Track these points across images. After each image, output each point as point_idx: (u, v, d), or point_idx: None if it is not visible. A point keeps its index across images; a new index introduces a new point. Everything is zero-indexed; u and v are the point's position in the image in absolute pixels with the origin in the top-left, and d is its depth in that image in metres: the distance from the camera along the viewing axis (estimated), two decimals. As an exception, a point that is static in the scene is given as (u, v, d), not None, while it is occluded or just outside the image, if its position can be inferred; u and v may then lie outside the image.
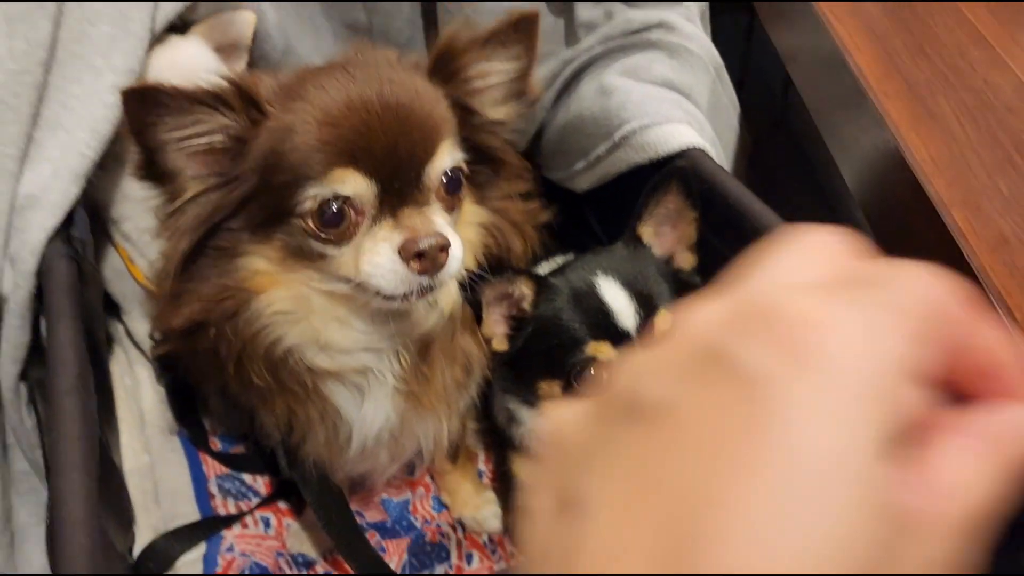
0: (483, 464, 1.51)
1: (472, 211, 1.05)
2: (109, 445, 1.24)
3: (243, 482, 1.45)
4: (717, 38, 1.45)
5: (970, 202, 0.92)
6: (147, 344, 1.45)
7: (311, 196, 0.90)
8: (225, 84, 0.93)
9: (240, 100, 0.92)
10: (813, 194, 1.49)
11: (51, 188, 1.13)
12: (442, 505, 1.45)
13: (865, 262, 0.40)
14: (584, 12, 1.43)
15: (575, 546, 0.37)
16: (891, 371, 0.34)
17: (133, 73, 1.18)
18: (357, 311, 1.00)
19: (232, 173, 0.94)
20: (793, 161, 1.62)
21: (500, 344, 1.20)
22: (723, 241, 1.22)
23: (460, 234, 0.99)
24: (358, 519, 1.41)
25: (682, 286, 1.20)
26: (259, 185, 0.93)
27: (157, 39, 1.27)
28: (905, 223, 0.98)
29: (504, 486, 1.42)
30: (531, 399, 1.26)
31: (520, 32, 1.00)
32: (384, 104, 0.92)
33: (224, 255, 0.97)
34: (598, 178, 1.39)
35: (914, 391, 0.35)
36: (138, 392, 1.53)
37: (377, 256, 0.91)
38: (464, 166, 0.99)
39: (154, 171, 0.95)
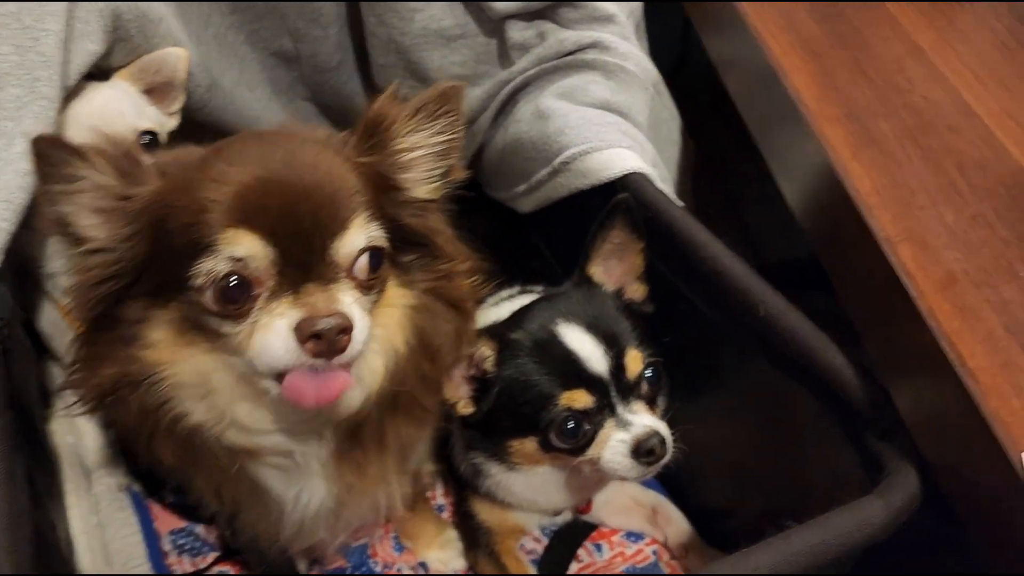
0: (442, 498, 1.48)
1: (398, 293, 0.98)
2: (56, 533, 1.20)
3: (197, 536, 1.42)
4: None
5: (916, 237, 0.90)
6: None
7: (205, 271, 0.84)
8: (107, 144, 0.88)
9: (119, 161, 0.88)
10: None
11: None
12: (402, 546, 1.42)
13: None
14: (516, 33, 1.39)
15: None
16: None
17: (45, 136, 1.12)
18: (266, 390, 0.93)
19: (123, 236, 0.88)
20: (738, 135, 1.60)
21: (465, 408, 1.17)
22: (667, 266, 1.20)
23: (384, 316, 0.95)
24: (315, 569, 1.38)
25: (638, 318, 1.18)
26: (152, 251, 0.88)
27: (75, 91, 1.22)
28: (852, 260, 0.95)
29: (465, 525, 1.40)
30: (500, 456, 1.23)
31: (447, 104, 0.95)
32: (287, 166, 0.87)
33: (126, 324, 0.92)
34: (540, 201, 1.36)
35: None
36: (82, 449, 1.48)
37: (270, 333, 0.84)
38: (386, 245, 0.92)
39: (55, 223, 0.90)
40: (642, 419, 1.11)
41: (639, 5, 1.48)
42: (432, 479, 1.44)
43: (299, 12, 1.50)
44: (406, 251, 0.98)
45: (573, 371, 1.11)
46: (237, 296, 0.85)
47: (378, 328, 0.94)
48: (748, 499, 1.29)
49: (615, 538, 1.40)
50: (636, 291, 1.20)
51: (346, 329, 0.83)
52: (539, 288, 1.37)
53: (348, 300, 0.86)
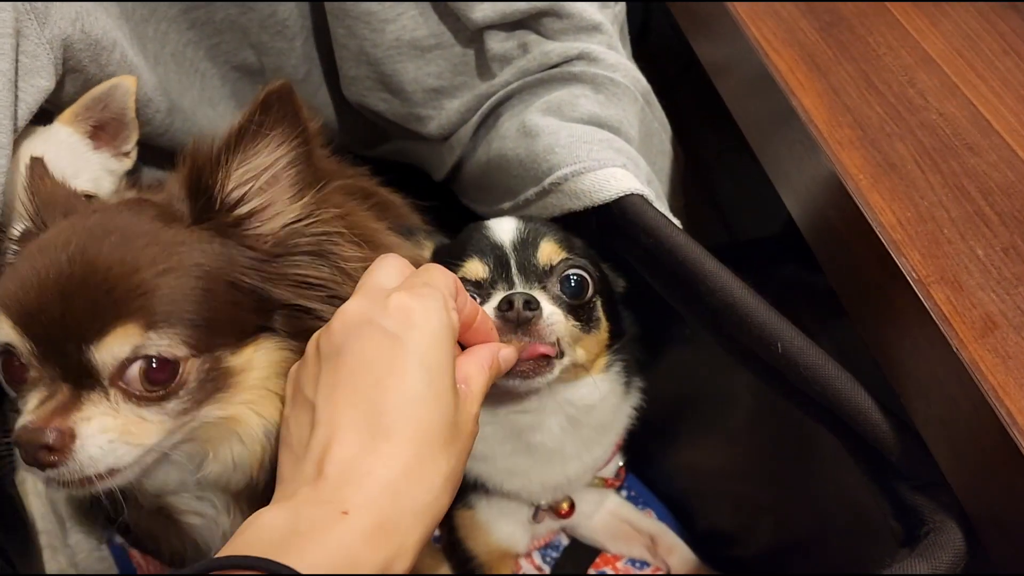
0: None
1: (268, 352, 0.89)
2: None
3: (183, 585, 1.35)
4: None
5: (948, 276, 0.85)
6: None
7: None
8: None
9: None
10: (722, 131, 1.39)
11: None
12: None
13: (413, 271, 0.85)
14: (496, 44, 1.32)
15: (309, 423, 0.77)
16: (445, 324, 0.80)
17: (-1, 182, 1.04)
18: None
19: None
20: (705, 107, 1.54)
21: None
22: (669, 293, 1.15)
23: (251, 383, 0.88)
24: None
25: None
26: None
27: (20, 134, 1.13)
28: (881, 302, 0.90)
29: (455, 556, 1.35)
30: None
31: (274, 110, 0.84)
32: (70, 260, 0.81)
33: None
34: (528, 220, 1.30)
35: (454, 335, 0.82)
36: (55, 501, 1.40)
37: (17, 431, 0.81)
38: (184, 354, 0.82)
39: None
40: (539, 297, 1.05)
41: (622, 7, 1.40)
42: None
43: (262, 25, 1.41)
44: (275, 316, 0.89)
45: (478, 243, 1.12)
46: (17, 376, 0.84)
47: (229, 417, 0.88)
48: (758, 527, 1.25)
49: (620, 564, 1.36)
50: None
51: (51, 447, 0.78)
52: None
53: (89, 413, 0.81)
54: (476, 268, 1.10)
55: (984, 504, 0.80)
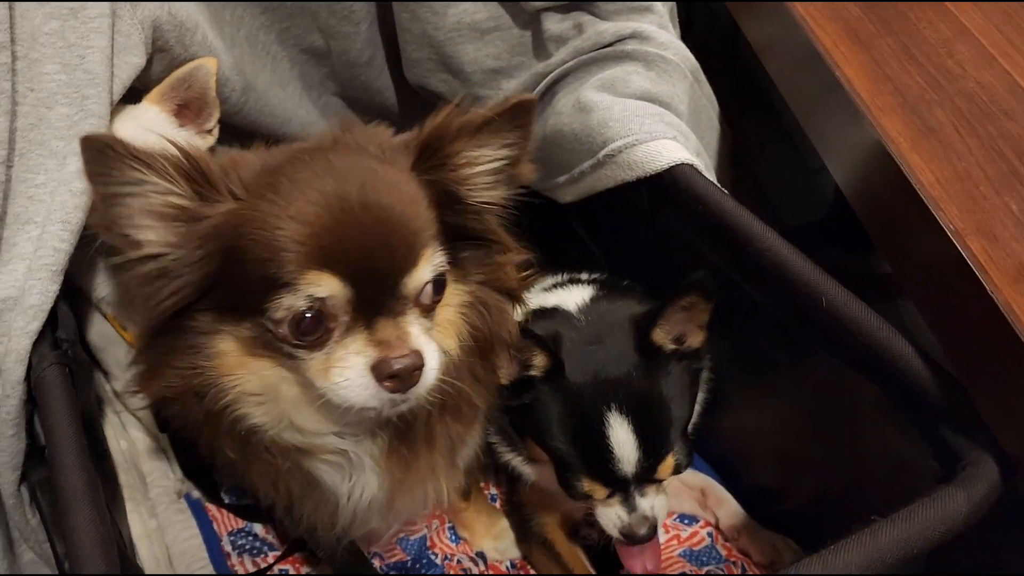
0: (494, 488, 1.50)
1: (453, 291, 0.99)
2: (123, 539, 1.21)
3: (256, 536, 1.44)
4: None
5: (984, 229, 0.91)
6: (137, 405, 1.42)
7: (284, 306, 0.86)
8: (177, 154, 0.87)
9: (189, 173, 0.87)
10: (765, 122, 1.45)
11: (29, 289, 1.08)
12: (459, 537, 1.44)
13: None
14: (552, 25, 1.39)
15: None
16: None
17: (98, 154, 1.12)
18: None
19: (186, 248, 0.88)
20: (747, 97, 1.60)
21: (504, 378, 1.18)
22: (720, 257, 1.21)
23: (441, 317, 0.97)
24: (377, 562, 1.40)
25: (689, 388, 1.18)
26: (223, 271, 0.89)
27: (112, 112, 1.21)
28: (916, 252, 0.96)
29: (516, 515, 1.42)
30: (517, 447, 1.27)
31: (517, 119, 0.95)
32: (363, 204, 0.87)
33: (193, 333, 0.93)
34: (582, 192, 1.37)
35: None
36: (135, 455, 1.49)
37: (348, 370, 0.87)
38: (447, 268, 0.94)
39: (108, 222, 0.89)
40: (649, 503, 1.15)
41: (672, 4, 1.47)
42: (484, 470, 1.45)
43: (330, 10, 1.49)
44: (461, 248, 0.99)
45: (602, 467, 1.12)
46: (312, 329, 0.87)
47: (434, 331, 0.96)
48: (801, 482, 1.31)
49: (669, 521, 1.42)
50: (696, 338, 1.18)
51: (419, 366, 0.87)
52: (585, 276, 1.38)
53: (416, 332, 0.89)
54: (600, 492, 1.14)
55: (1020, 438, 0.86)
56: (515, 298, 1.06)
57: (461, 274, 1.00)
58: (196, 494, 1.47)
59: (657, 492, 1.16)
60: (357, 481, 1.05)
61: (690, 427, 1.20)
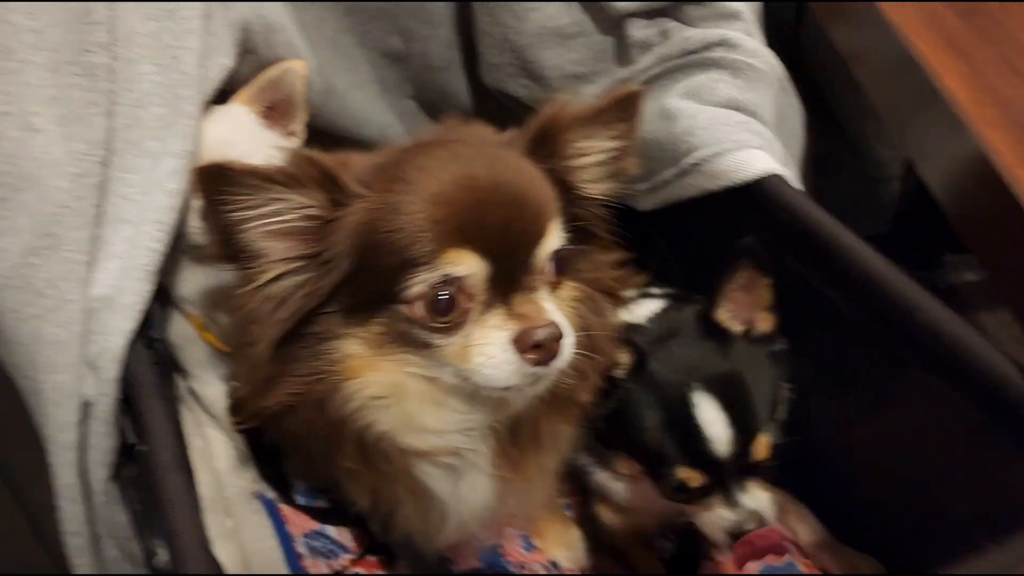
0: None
1: (564, 286, 1.01)
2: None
3: (330, 539, 1.44)
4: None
5: (1096, 249, 0.89)
6: (217, 408, 1.43)
7: (420, 281, 0.87)
8: (303, 165, 0.88)
9: (320, 181, 0.89)
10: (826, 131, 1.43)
11: (124, 288, 1.09)
12: (531, 544, 1.43)
13: None
14: (637, 31, 1.38)
15: None
16: None
17: (190, 155, 1.13)
18: (454, 393, 0.97)
19: (321, 256, 0.90)
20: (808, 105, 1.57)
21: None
22: (806, 265, 1.19)
23: None
24: (451, 568, 1.39)
25: (771, 360, 1.17)
26: (355, 269, 0.90)
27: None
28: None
29: (589, 526, 1.41)
30: (607, 462, 1.25)
31: (624, 111, 0.98)
32: (493, 182, 0.90)
33: (316, 339, 0.93)
34: (663, 200, 1.36)
35: None
36: (211, 454, 1.50)
37: (490, 347, 0.88)
38: (567, 245, 0.96)
39: (230, 252, 0.90)
40: (752, 499, 1.12)
41: (759, 7, 1.45)
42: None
43: (410, 13, 1.50)
44: (571, 244, 0.99)
45: (696, 451, 1.10)
46: (448, 309, 0.88)
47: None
48: (887, 501, 1.28)
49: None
50: (765, 322, 1.17)
51: (559, 336, 0.88)
52: (656, 290, 1.37)
53: (551, 307, 0.91)
54: (697, 478, 1.11)
55: None
56: (615, 297, 1.08)
57: (571, 270, 1.01)
58: (270, 494, 1.48)
59: (757, 488, 1.13)
60: (467, 484, 1.06)
61: (780, 415, 1.17)
